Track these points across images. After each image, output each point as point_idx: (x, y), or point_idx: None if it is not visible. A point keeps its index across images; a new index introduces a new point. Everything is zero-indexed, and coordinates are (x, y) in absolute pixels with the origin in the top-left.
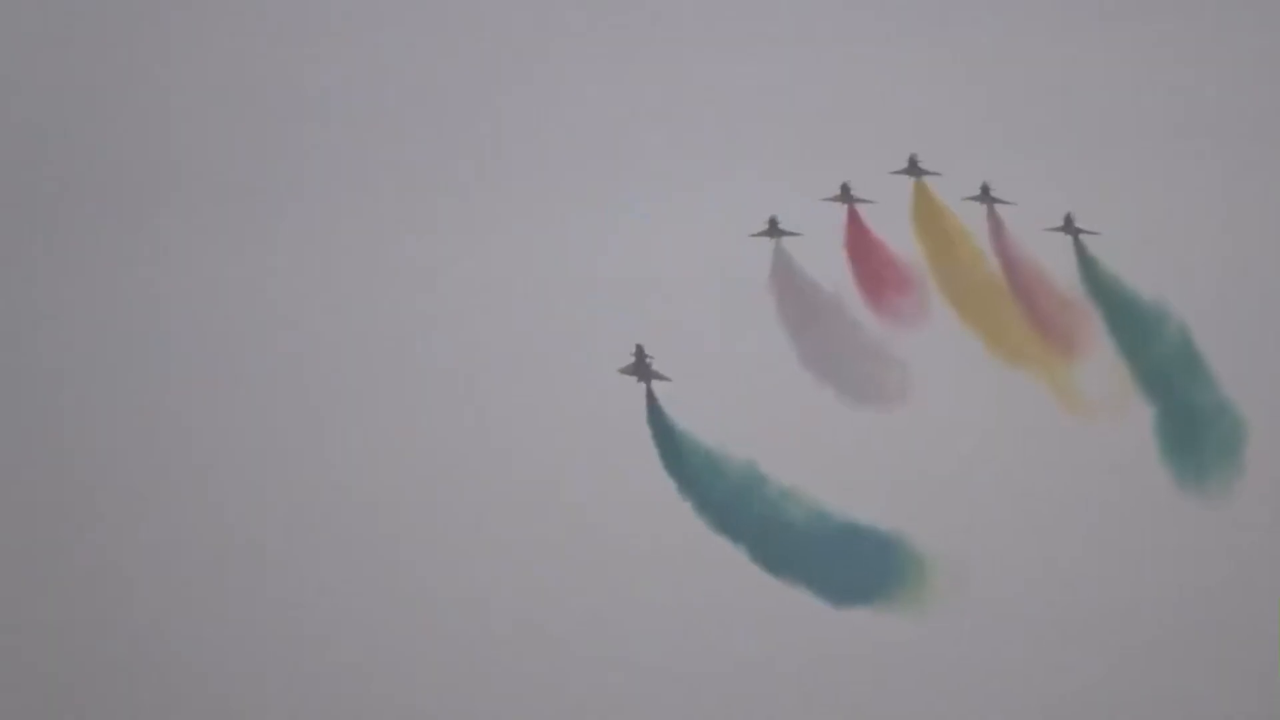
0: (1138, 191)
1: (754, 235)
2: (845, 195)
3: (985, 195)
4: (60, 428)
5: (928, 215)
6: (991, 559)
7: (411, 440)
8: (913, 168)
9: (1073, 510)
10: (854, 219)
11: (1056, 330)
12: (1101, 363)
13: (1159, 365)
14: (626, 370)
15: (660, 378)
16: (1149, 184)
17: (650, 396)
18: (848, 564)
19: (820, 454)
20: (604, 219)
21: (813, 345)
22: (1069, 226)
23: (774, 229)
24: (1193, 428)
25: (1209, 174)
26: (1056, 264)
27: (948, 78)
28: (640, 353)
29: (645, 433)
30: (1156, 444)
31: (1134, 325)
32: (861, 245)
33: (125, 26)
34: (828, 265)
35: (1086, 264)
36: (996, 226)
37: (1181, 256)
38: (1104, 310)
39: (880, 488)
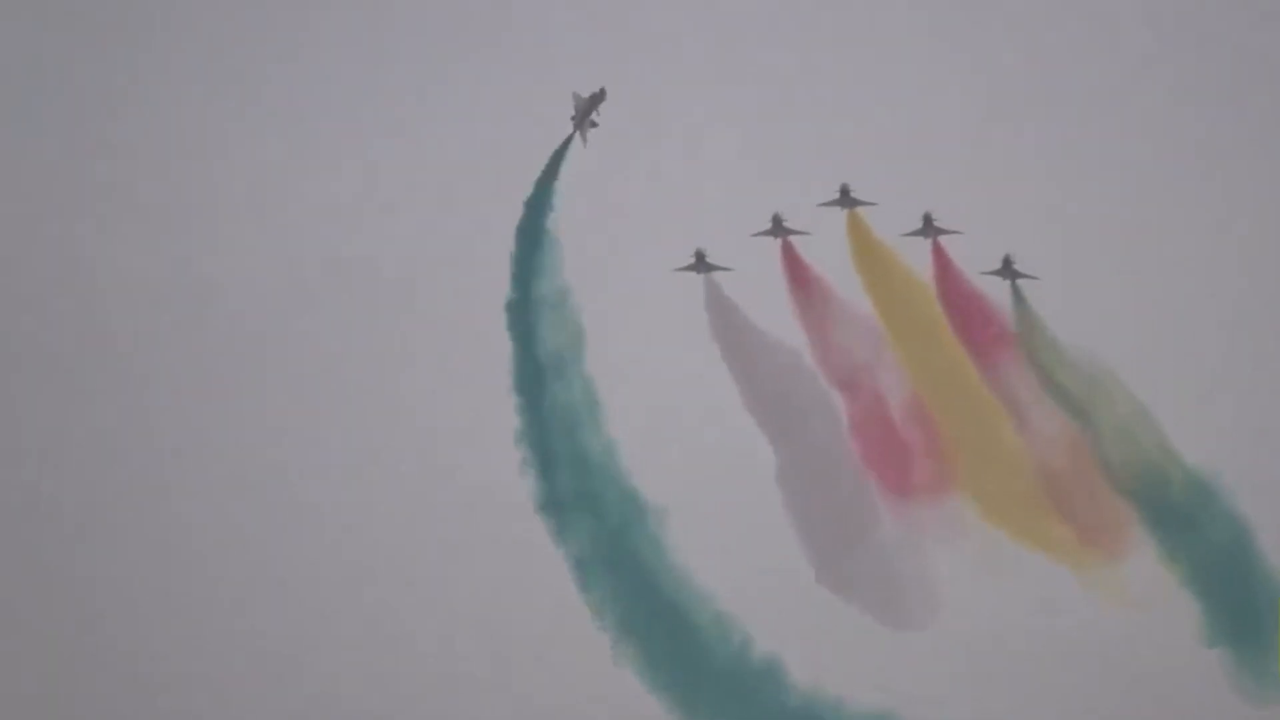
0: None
1: (679, 270)
2: (778, 228)
3: (929, 228)
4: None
5: (866, 253)
6: None
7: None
8: (845, 198)
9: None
10: (801, 285)
11: (1082, 513)
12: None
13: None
14: None
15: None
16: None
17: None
18: None
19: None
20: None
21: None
22: (1007, 269)
23: (701, 263)
24: (1246, 623)
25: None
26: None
27: (883, 103)
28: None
29: None
30: (1205, 637)
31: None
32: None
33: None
34: (771, 312)
35: (1024, 317)
36: (945, 272)
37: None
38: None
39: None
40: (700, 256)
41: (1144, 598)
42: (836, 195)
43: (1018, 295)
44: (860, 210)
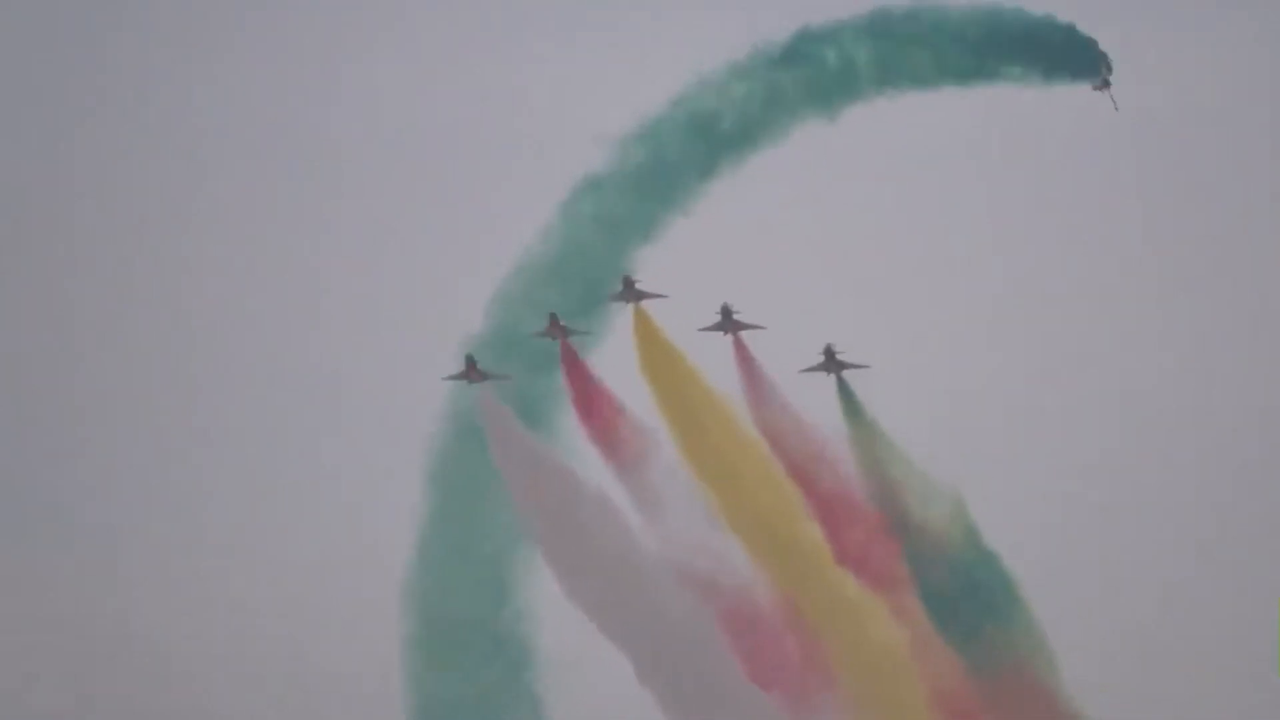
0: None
1: (448, 379)
2: (555, 328)
3: (728, 322)
4: None
5: (654, 354)
6: None
7: None
8: (629, 290)
9: None
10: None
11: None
12: None
13: None
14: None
15: None
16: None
17: None
18: None
19: None
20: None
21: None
22: (830, 362)
23: (473, 370)
24: None
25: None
26: None
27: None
28: None
29: None
30: None
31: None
32: None
33: None
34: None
35: (854, 417)
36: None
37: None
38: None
39: None
40: (471, 363)
41: None
42: (620, 289)
43: (845, 391)
44: (648, 304)
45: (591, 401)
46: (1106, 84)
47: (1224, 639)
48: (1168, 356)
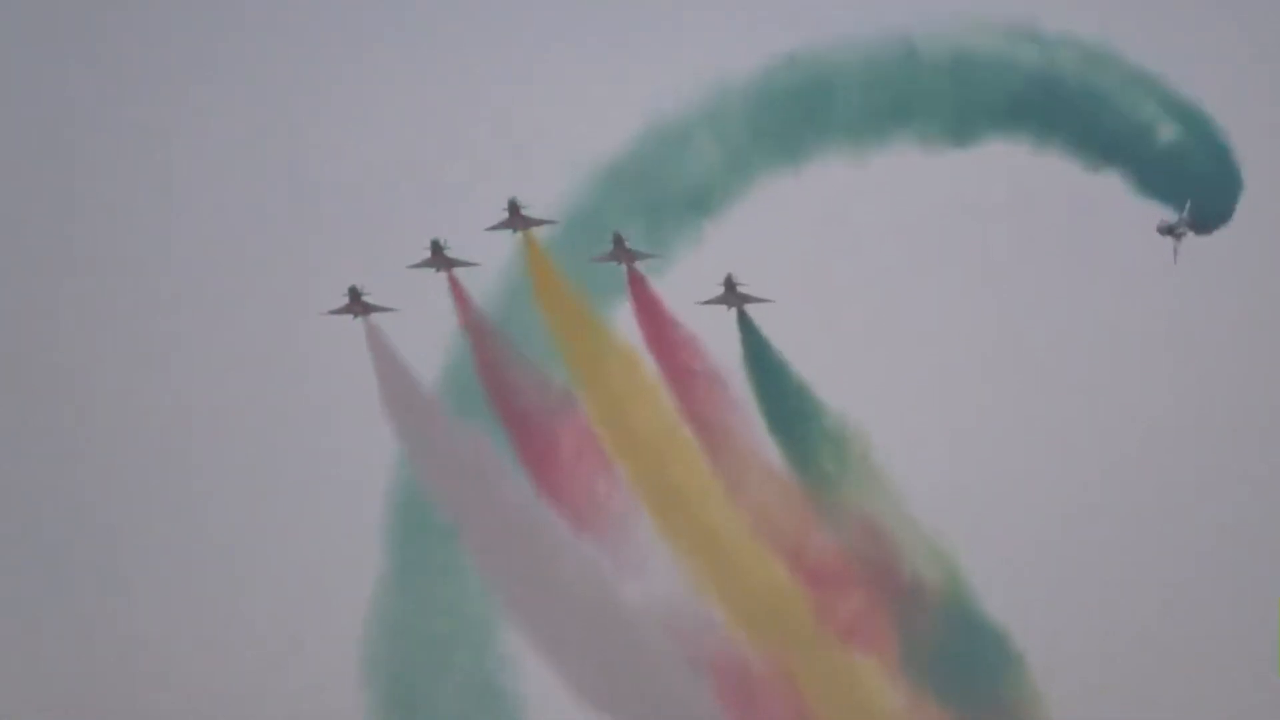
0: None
1: (332, 313)
2: (439, 257)
3: (620, 251)
4: None
5: (546, 286)
6: None
7: None
8: (515, 216)
9: None
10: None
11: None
12: None
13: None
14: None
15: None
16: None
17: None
18: None
19: None
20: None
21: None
22: (731, 294)
23: (356, 301)
24: None
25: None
26: None
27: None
28: None
29: None
30: None
31: None
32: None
33: None
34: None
35: (753, 349)
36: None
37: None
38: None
39: None
40: (355, 295)
41: None
42: (505, 215)
43: (746, 324)
44: (537, 232)
45: (485, 337)
46: (1178, 234)
47: (1224, 639)
48: (1162, 359)
